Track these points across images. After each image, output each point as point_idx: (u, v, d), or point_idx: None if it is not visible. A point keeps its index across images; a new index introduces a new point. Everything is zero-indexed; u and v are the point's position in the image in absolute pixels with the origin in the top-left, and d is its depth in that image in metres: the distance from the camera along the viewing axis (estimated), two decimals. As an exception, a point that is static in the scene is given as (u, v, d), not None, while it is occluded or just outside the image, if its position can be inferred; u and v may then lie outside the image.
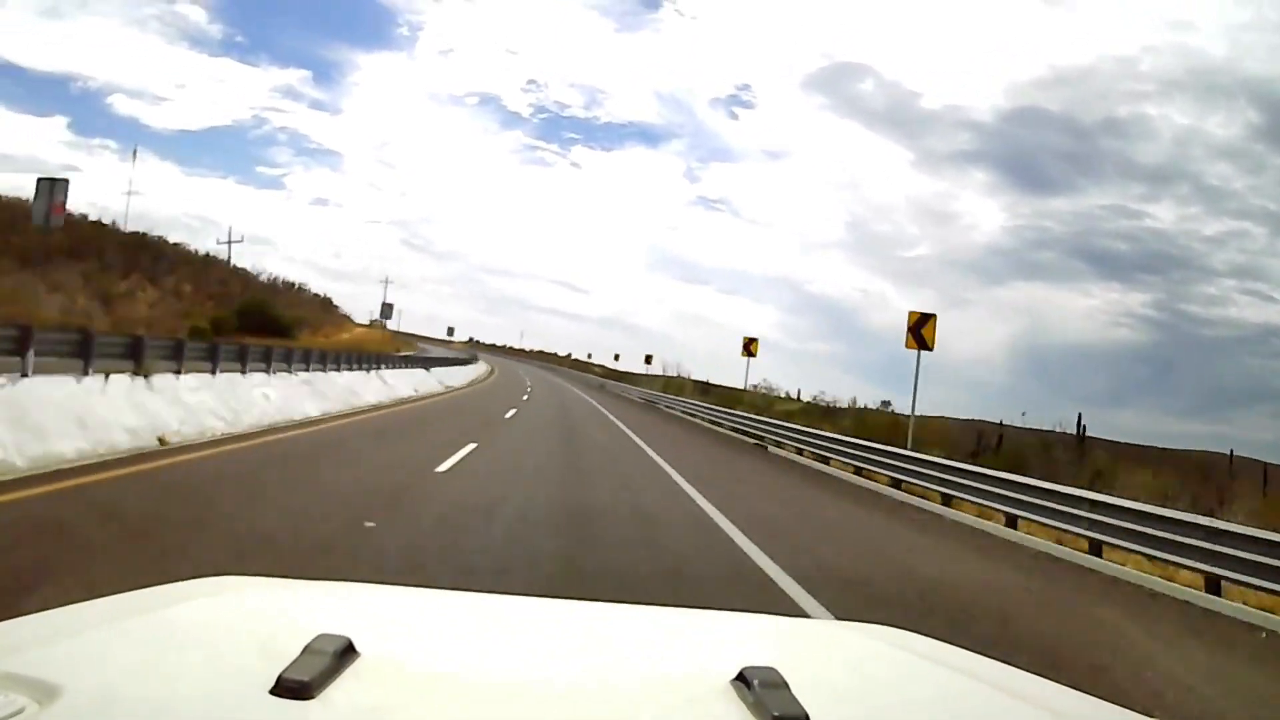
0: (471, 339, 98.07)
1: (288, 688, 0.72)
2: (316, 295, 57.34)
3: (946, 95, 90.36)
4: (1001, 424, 20.19)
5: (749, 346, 22.60)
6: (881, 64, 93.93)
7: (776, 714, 0.76)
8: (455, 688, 0.85)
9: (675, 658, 1.11)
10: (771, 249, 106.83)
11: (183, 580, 1.22)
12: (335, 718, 0.72)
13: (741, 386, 27.13)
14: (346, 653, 0.81)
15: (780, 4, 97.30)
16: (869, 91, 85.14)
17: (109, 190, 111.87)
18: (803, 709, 0.78)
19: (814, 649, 1.30)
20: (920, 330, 14.06)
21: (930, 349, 14.03)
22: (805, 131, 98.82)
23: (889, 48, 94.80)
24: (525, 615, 1.28)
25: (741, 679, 0.85)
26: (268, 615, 1.12)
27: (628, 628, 1.27)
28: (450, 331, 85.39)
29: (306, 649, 0.79)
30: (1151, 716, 1.13)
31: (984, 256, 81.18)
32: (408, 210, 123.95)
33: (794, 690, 0.82)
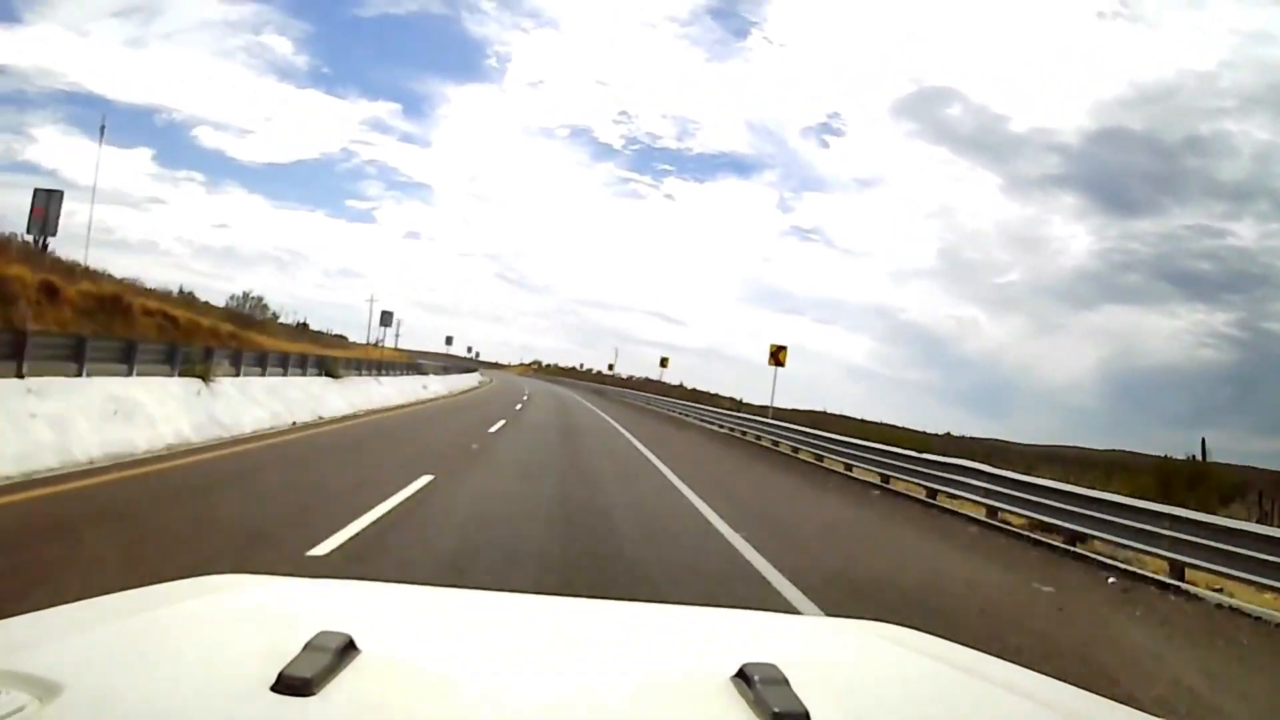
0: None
1: (289, 685, 0.73)
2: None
3: (1033, 118, 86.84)
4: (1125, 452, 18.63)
5: (777, 355, 22.50)
6: (969, 87, 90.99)
7: (777, 710, 0.76)
8: (455, 685, 0.85)
9: (676, 655, 1.11)
10: (864, 278, 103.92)
11: (182, 578, 1.22)
12: (336, 715, 0.72)
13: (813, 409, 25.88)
14: (347, 650, 0.82)
15: (868, 30, 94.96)
16: (957, 116, 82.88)
17: (196, 223, 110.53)
18: (803, 705, 0.78)
19: (814, 646, 1.29)
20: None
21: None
22: (895, 158, 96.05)
23: (976, 71, 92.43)
24: (525, 612, 1.28)
25: (742, 676, 0.85)
26: (268, 612, 1.13)
27: (628, 625, 1.27)
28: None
29: (307, 646, 0.80)
30: (1153, 715, 1.11)
31: (1073, 281, 78.92)
32: (501, 243, 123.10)
33: (794, 687, 0.82)
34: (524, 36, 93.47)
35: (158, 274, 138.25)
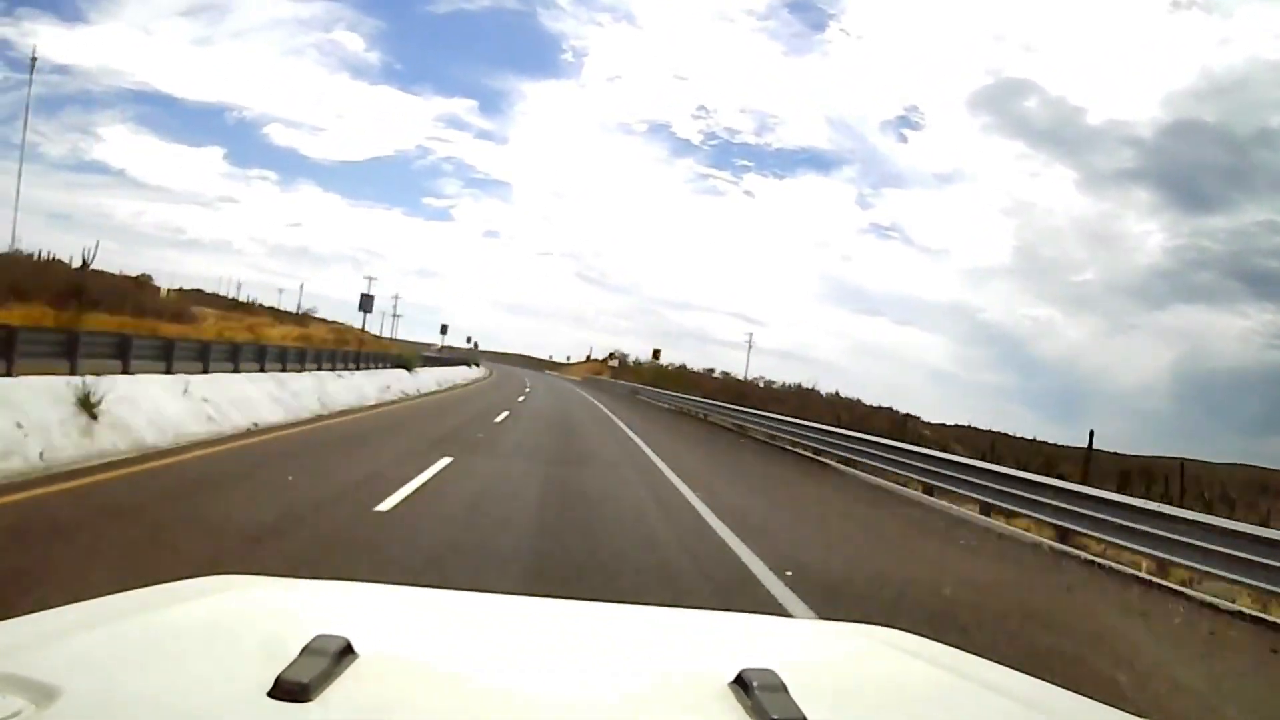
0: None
1: (286, 689, 0.72)
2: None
3: (1108, 110, 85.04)
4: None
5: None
6: (1046, 79, 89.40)
7: (775, 716, 0.76)
8: (453, 688, 0.85)
9: (674, 659, 1.11)
10: (942, 277, 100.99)
11: (186, 578, 1.23)
12: (333, 719, 0.72)
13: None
14: (345, 653, 0.81)
15: (945, 19, 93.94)
16: (1034, 109, 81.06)
17: (270, 222, 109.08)
18: (801, 711, 0.78)
19: (812, 650, 1.29)
20: None
21: None
22: (972, 152, 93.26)
23: (1052, 61, 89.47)
24: (524, 615, 1.28)
25: (740, 681, 0.85)
26: (266, 615, 1.12)
27: (626, 628, 1.27)
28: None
29: (305, 650, 0.79)
30: (1145, 718, 1.12)
31: (1146, 279, 76.65)
32: (580, 242, 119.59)
33: (792, 692, 0.82)
34: (600, 31, 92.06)
35: (230, 273, 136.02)
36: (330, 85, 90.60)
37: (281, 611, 1.16)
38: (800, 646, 1.32)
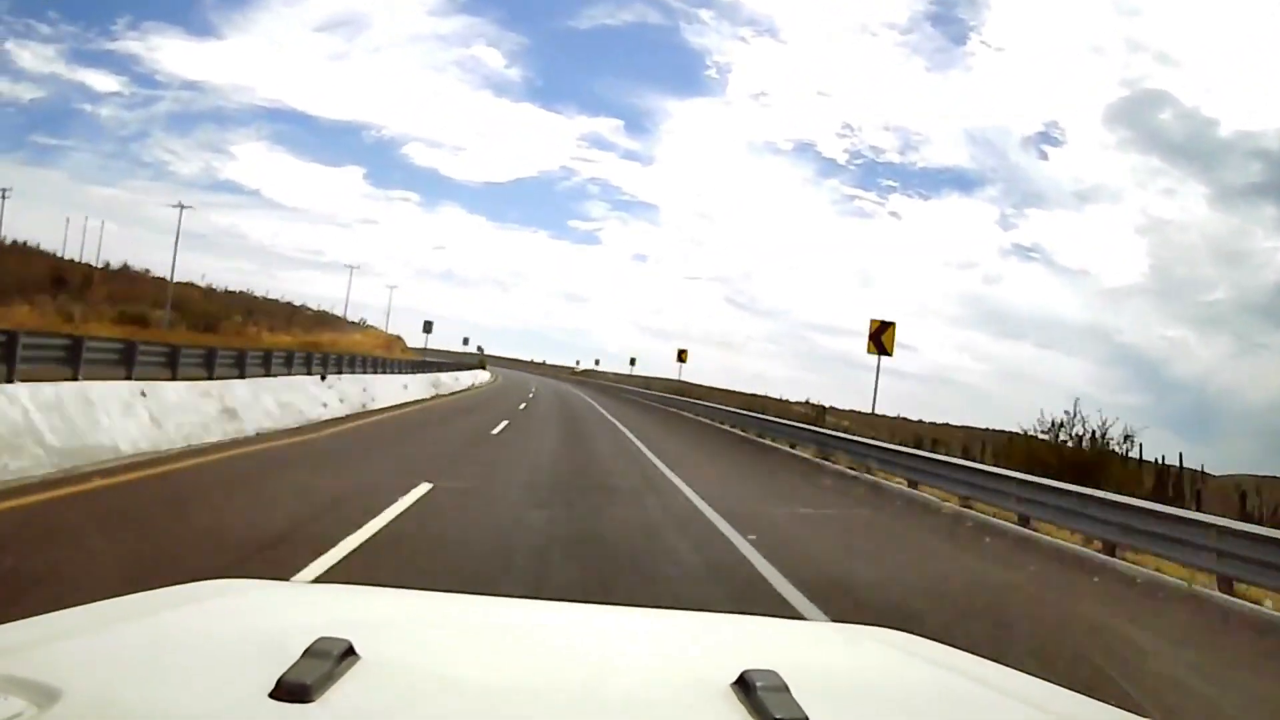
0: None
1: (288, 691, 0.72)
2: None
3: (1238, 122, 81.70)
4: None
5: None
6: (1180, 90, 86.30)
7: (777, 717, 0.76)
8: (455, 691, 0.85)
9: (676, 661, 1.11)
10: (1080, 298, 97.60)
11: (189, 582, 1.22)
12: None
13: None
14: (347, 655, 0.81)
15: (1082, 28, 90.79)
16: (1168, 122, 78.26)
17: (412, 244, 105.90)
18: (803, 712, 0.78)
19: (814, 652, 1.29)
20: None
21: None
22: (1109, 169, 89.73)
23: (1186, 71, 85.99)
24: (525, 618, 1.28)
25: (742, 682, 0.85)
26: (268, 618, 1.12)
27: (628, 630, 1.27)
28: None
29: (307, 652, 0.79)
30: (1148, 718, 1.05)
31: (1275, 298, 75.09)
32: (729, 265, 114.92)
33: (794, 693, 0.82)
34: (744, 46, 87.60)
35: (368, 297, 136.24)
36: (472, 103, 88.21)
37: (283, 614, 1.17)
38: (802, 647, 1.32)
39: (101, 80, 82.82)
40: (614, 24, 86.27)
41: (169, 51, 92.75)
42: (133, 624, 1.02)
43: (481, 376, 44.12)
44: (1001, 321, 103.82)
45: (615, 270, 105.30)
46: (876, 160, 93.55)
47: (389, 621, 1.19)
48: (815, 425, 21.54)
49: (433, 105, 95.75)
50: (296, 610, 1.21)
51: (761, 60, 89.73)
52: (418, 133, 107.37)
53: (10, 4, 66.53)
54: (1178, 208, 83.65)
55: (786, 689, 0.82)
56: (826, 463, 15.19)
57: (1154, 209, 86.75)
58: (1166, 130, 76.91)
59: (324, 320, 52.18)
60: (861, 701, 0.97)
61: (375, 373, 21.66)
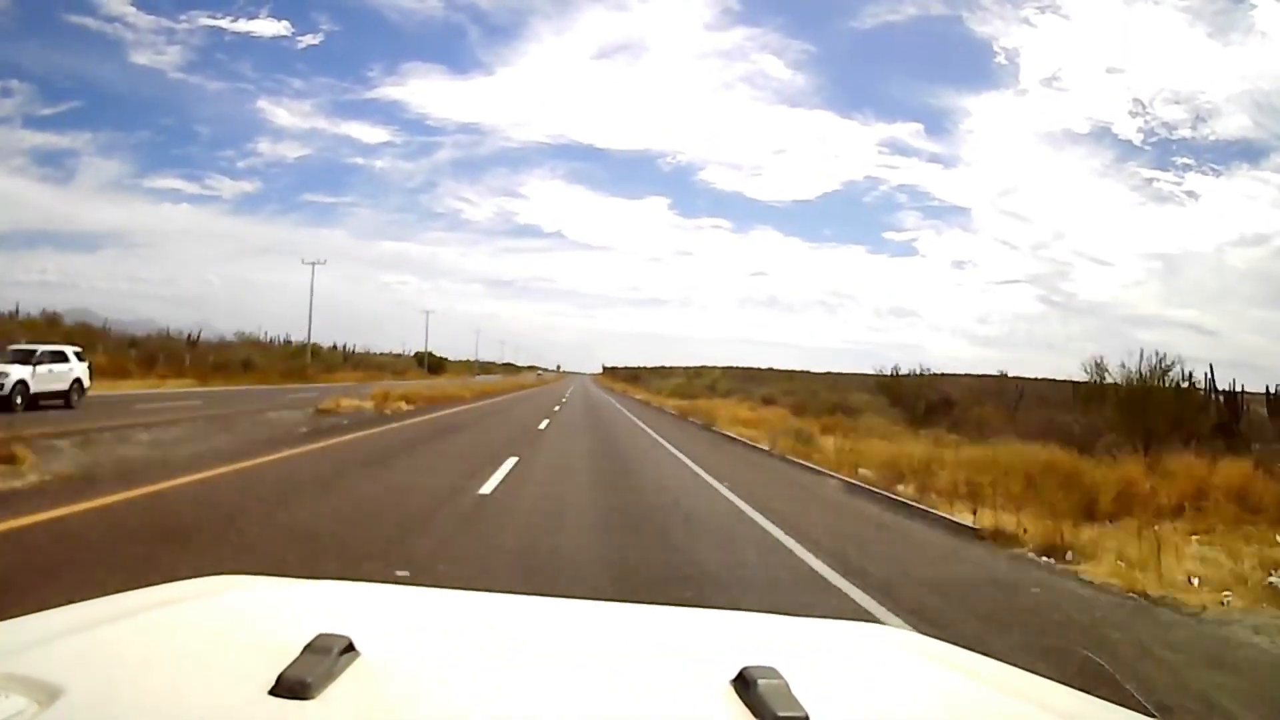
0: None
1: (288, 687, 0.72)
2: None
3: None
4: None
5: None
6: None
7: (777, 714, 0.76)
8: (455, 687, 0.85)
9: (675, 657, 1.10)
10: None
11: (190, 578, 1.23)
12: (335, 718, 0.72)
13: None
14: (346, 652, 0.81)
15: None
16: None
17: (730, 271, 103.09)
18: (803, 709, 0.78)
19: (814, 649, 1.28)
20: None
21: None
22: None
23: None
24: (525, 615, 1.28)
25: (742, 679, 0.84)
26: (268, 615, 1.13)
27: (628, 627, 1.26)
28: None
29: (307, 648, 0.80)
30: (1153, 716, 1.11)
31: None
32: (1040, 263, 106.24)
33: (794, 690, 0.82)
34: (1028, 29, 79.69)
35: (694, 331, 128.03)
36: (766, 117, 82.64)
37: (283, 610, 1.17)
38: (802, 644, 1.31)
39: (368, 132, 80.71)
40: (897, 18, 78.12)
41: (434, 94, 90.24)
42: (133, 621, 1.02)
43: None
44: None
45: (936, 280, 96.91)
46: (1170, 138, 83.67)
47: (389, 618, 1.19)
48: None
49: (725, 123, 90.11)
50: (296, 606, 1.21)
51: (1048, 40, 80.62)
52: (714, 155, 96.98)
53: (255, 60, 66.90)
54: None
55: (786, 685, 0.82)
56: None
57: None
58: None
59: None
60: (862, 699, 0.97)
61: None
